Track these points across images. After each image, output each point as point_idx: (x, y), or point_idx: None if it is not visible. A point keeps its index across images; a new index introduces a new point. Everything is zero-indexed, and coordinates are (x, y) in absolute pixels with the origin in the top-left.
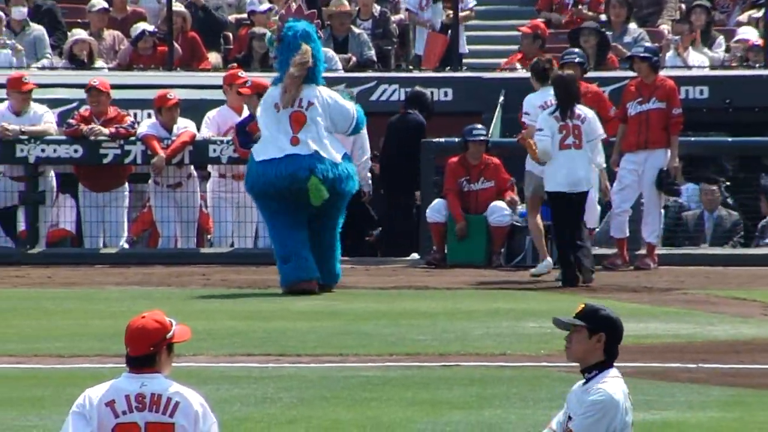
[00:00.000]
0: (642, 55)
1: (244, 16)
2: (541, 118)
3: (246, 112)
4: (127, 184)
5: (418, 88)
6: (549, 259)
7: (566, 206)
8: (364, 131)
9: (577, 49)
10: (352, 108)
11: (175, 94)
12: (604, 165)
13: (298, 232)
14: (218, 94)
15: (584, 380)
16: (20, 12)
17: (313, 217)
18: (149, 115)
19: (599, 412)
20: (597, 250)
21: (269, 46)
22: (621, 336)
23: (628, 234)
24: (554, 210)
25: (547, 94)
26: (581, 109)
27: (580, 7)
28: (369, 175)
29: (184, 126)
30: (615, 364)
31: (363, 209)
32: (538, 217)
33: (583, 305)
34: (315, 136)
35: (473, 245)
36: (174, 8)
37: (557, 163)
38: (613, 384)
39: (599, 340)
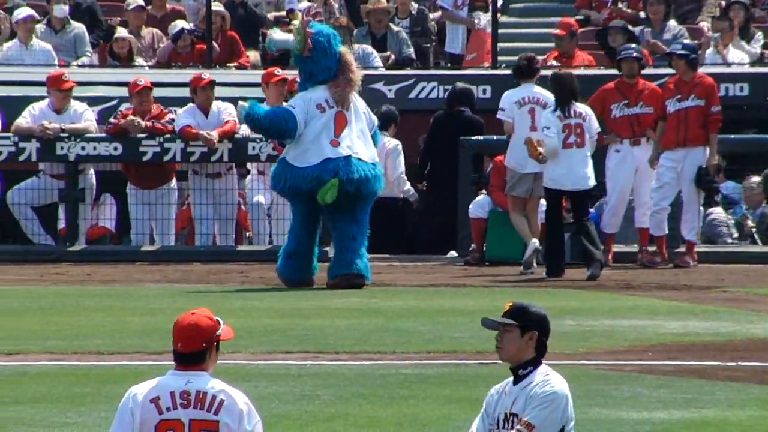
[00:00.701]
0: (679, 52)
1: (283, 13)
2: (545, 117)
3: None
4: (174, 181)
5: (462, 84)
6: (535, 240)
7: (569, 204)
8: (399, 148)
9: (634, 45)
10: (374, 118)
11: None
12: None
13: (311, 232)
14: (257, 92)
15: (514, 378)
16: (62, 10)
17: (342, 216)
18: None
19: (553, 404)
20: (615, 248)
21: (271, 48)
22: (549, 331)
23: (666, 231)
24: (552, 206)
25: (525, 91)
26: (581, 107)
27: (619, 5)
28: (408, 184)
29: (224, 108)
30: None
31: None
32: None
33: (511, 303)
34: (354, 136)
35: (512, 241)
36: (213, 7)
37: (559, 162)
38: (558, 377)
39: (531, 338)
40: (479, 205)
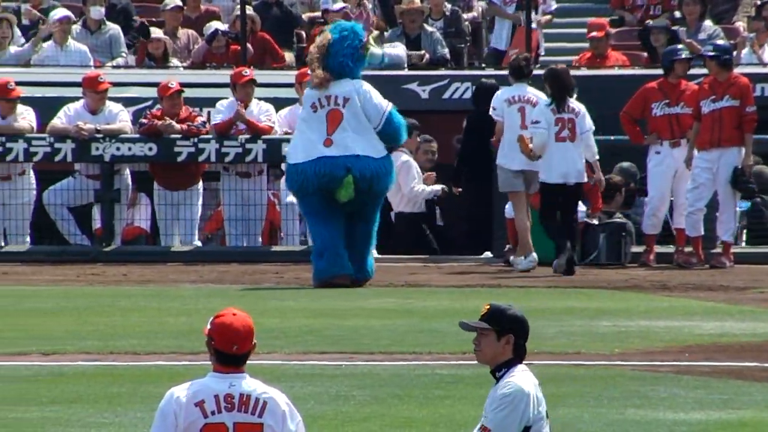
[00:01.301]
0: (710, 54)
1: (318, 14)
2: (537, 111)
3: None
4: (201, 183)
5: (486, 81)
6: (534, 254)
7: (561, 197)
8: (410, 163)
9: (681, 45)
10: (387, 106)
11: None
12: (597, 156)
13: (334, 228)
14: (291, 92)
15: (496, 380)
16: (98, 11)
17: (349, 213)
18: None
19: (510, 405)
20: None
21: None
22: (528, 333)
23: (702, 232)
24: (546, 201)
25: (517, 90)
26: (574, 103)
27: (651, 11)
28: (425, 187)
29: (265, 109)
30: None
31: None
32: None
33: (488, 306)
34: (352, 133)
35: (548, 241)
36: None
37: (553, 156)
38: (521, 377)
39: (508, 341)
40: None
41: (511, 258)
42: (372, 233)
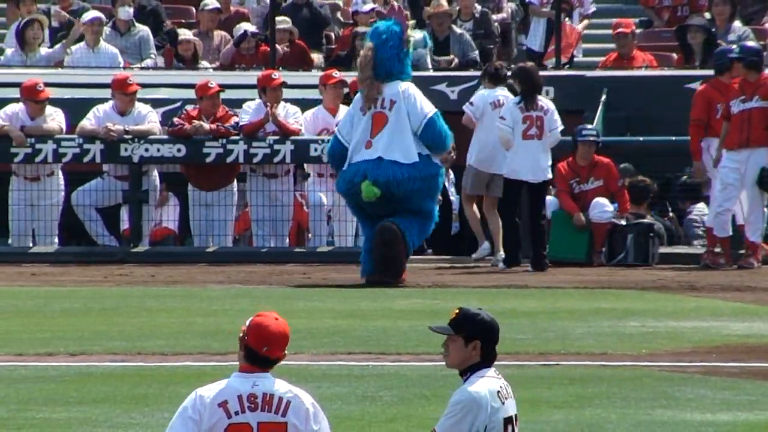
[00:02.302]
0: (734, 56)
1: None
2: (506, 108)
3: (343, 112)
4: (235, 183)
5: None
6: (487, 242)
7: (528, 195)
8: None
9: (734, 46)
10: (429, 111)
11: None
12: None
13: (372, 229)
14: (318, 94)
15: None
16: (127, 12)
17: (386, 214)
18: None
19: (461, 412)
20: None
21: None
22: (497, 338)
23: (731, 233)
24: (510, 197)
25: (500, 95)
26: (543, 101)
27: (679, 12)
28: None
29: (293, 112)
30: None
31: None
32: (474, 207)
33: (458, 311)
34: (391, 136)
35: (575, 242)
36: (283, 26)
37: (520, 153)
38: (479, 383)
39: (475, 347)
40: None
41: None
42: (406, 234)
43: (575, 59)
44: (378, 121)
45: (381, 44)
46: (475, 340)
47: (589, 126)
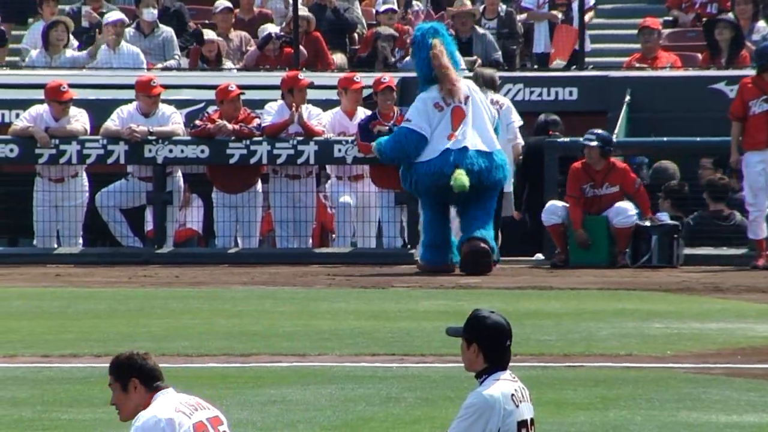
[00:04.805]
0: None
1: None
2: None
3: (360, 115)
4: (260, 185)
5: (547, 115)
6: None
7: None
8: None
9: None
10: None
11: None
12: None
13: (442, 223)
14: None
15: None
16: (151, 14)
17: (466, 205)
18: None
19: (474, 415)
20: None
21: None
22: (499, 341)
23: (766, 234)
24: None
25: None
26: (499, 97)
27: (708, 9)
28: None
29: (316, 113)
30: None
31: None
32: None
33: (471, 313)
34: (471, 129)
35: (596, 246)
36: (300, 12)
37: None
38: (493, 386)
39: (475, 350)
40: (550, 212)
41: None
42: (491, 216)
43: (587, 57)
44: (457, 115)
45: (446, 42)
46: (473, 342)
47: (597, 130)
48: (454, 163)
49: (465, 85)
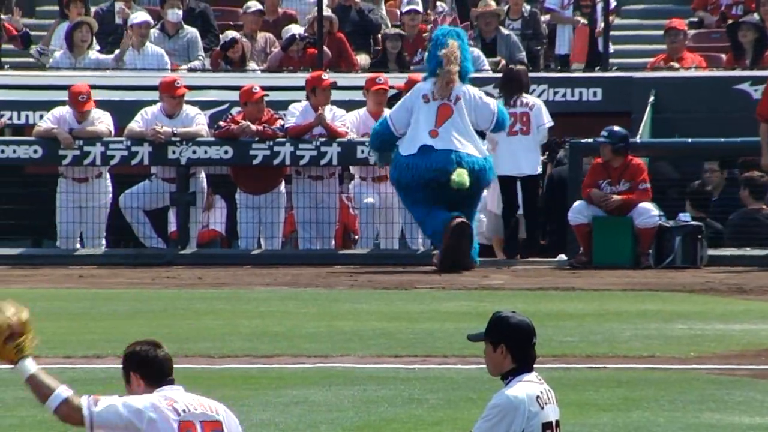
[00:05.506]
0: None
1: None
2: None
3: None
4: (283, 186)
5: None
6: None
7: (521, 189)
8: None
9: None
10: (494, 104)
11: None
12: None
13: (441, 212)
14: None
15: None
16: (176, 14)
17: (452, 206)
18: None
19: (498, 416)
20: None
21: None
22: (526, 340)
23: None
24: (503, 193)
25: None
26: (530, 98)
27: (733, 11)
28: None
29: (340, 115)
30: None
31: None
32: None
33: (492, 315)
34: (457, 130)
35: (619, 247)
36: (323, 12)
37: (504, 149)
38: (518, 387)
39: (503, 351)
40: (577, 210)
41: None
42: (473, 224)
43: (610, 60)
44: (443, 112)
45: (463, 45)
46: (500, 344)
47: (615, 128)
48: (457, 161)
49: (464, 88)
